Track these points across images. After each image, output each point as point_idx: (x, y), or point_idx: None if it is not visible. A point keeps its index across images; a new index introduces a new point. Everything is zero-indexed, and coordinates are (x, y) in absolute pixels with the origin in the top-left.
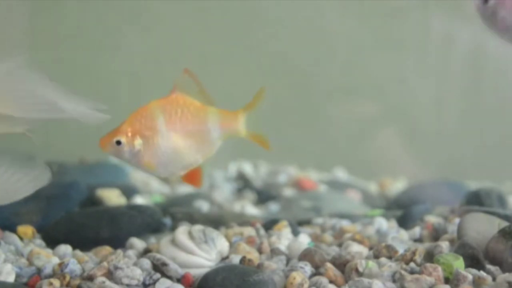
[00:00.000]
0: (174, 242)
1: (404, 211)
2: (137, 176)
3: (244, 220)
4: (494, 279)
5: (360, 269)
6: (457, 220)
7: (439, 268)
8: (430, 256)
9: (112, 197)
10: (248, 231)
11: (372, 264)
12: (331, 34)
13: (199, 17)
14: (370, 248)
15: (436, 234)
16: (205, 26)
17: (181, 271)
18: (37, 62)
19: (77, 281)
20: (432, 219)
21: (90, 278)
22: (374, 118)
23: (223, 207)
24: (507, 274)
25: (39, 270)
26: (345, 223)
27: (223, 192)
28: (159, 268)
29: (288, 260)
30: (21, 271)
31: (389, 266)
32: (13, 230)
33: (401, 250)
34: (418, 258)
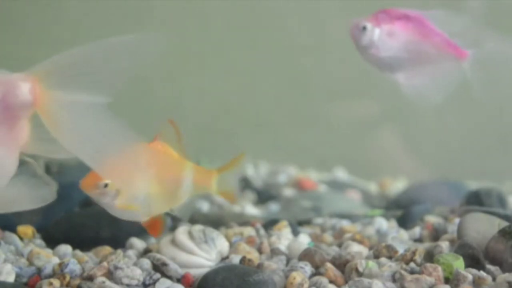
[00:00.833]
0: (174, 242)
1: (404, 211)
2: None
3: (244, 220)
4: (494, 279)
5: (360, 269)
6: (457, 220)
7: (439, 268)
8: (430, 256)
9: None
10: (248, 231)
11: (372, 264)
12: (331, 34)
13: (199, 17)
14: (370, 248)
15: (436, 234)
16: (205, 26)
17: (181, 271)
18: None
19: (77, 281)
20: (432, 219)
21: (90, 278)
22: (374, 118)
23: (223, 207)
24: (507, 274)
25: (39, 270)
26: (345, 223)
27: None
28: (159, 268)
29: (288, 260)
30: (21, 271)
31: (389, 266)
32: (13, 230)
33: (401, 250)
34: (418, 258)
